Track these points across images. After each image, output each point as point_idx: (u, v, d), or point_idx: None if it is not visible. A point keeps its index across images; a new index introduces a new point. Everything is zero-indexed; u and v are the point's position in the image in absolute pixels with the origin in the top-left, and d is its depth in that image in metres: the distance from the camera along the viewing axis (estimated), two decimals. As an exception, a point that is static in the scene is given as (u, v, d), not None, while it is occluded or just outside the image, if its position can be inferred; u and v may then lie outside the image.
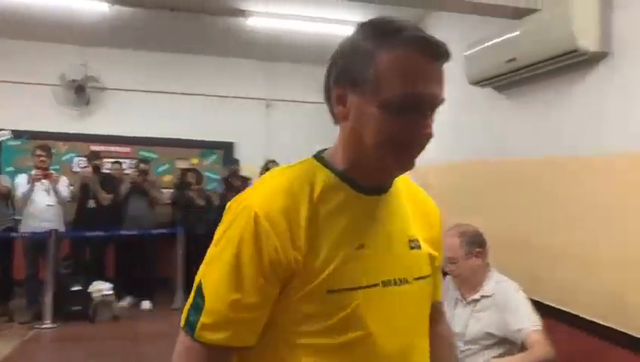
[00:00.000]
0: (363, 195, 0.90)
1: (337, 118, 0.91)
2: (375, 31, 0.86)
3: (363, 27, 0.88)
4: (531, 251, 3.17)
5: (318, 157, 0.94)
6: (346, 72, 0.87)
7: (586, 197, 2.84)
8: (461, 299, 2.44)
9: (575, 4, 2.74)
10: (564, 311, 2.88)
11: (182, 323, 0.86)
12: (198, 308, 0.83)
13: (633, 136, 2.55)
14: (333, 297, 0.83)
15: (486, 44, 3.43)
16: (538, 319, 2.20)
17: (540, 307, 2.45)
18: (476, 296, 2.37)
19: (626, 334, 2.51)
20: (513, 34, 3.17)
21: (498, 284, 2.36)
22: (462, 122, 4.13)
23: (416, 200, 1.03)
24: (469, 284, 2.40)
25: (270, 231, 0.82)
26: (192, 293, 0.85)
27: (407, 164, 0.88)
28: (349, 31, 0.89)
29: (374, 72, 0.83)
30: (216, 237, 0.86)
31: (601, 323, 2.66)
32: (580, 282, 2.84)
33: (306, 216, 0.84)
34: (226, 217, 0.87)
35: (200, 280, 0.85)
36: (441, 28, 4.54)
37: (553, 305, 2.92)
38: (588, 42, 2.70)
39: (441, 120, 3.32)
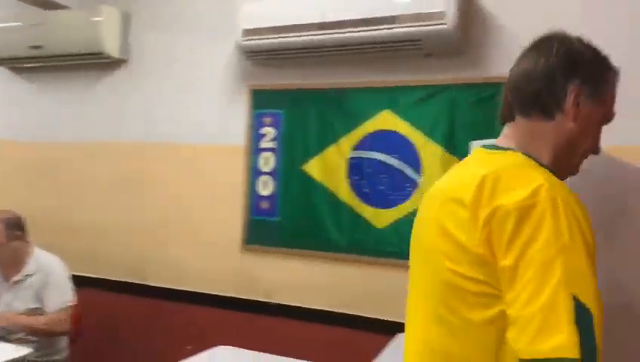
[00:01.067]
0: None
1: (560, 116, 0.90)
2: (599, 52, 0.94)
3: (587, 43, 0.94)
4: (75, 230, 3.46)
5: (526, 153, 0.91)
6: (590, 78, 0.90)
7: (116, 178, 3.40)
8: (4, 281, 2.55)
9: (102, 12, 3.21)
10: (106, 279, 3.36)
11: (570, 355, 0.69)
12: (589, 327, 0.70)
13: (146, 129, 3.32)
14: None
15: (4, 24, 3.44)
16: (71, 295, 2.58)
17: (83, 280, 2.93)
18: (19, 277, 2.55)
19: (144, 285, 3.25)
20: (40, 22, 3.34)
21: (41, 263, 2.60)
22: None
23: None
24: (13, 266, 2.56)
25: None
26: (566, 314, 0.70)
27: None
28: None
29: (607, 88, 0.93)
30: (562, 242, 0.74)
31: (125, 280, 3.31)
32: (117, 251, 3.37)
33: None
34: (559, 215, 0.75)
35: (575, 295, 0.71)
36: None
37: (94, 276, 3.35)
38: (111, 48, 3.27)
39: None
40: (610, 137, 1.10)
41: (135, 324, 3.28)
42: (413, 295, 1.04)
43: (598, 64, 0.93)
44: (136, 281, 3.30)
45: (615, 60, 1.00)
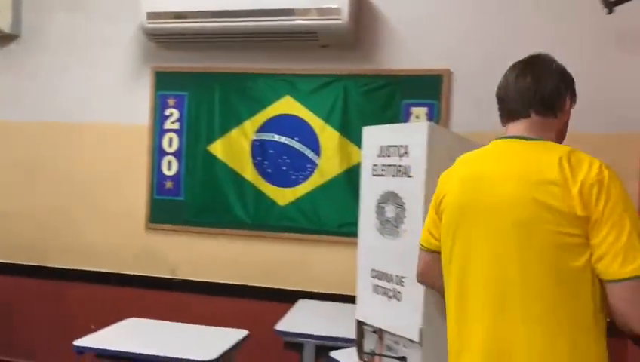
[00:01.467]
0: None
1: (560, 115, 1.28)
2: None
3: (561, 66, 1.32)
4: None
5: (554, 141, 1.27)
6: (573, 90, 1.32)
7: (11, 159, 3.29)
8: None
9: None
10: (3, 263, 3.27)
11: None
12: None
13: (42, 109, 3.24)
14: None
15: None
16: None
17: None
18: None
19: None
20: None
21: None
22: None
23: None
24: None
25: None
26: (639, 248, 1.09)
27: None
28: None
29: (576, 96, 1.33)
30: (623, 203, 1.12)
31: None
32: (16, 234, 3.27)
33: None
34: (617, 184, 1.13)
35: None
36: None
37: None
38: (3, 23, 3.15)
39: None
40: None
41: (37, 307, 3.23)
42: (475, 287, 1.24)
43: (573, 81, 1.34)
44: (37, 264, 3.24)
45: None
